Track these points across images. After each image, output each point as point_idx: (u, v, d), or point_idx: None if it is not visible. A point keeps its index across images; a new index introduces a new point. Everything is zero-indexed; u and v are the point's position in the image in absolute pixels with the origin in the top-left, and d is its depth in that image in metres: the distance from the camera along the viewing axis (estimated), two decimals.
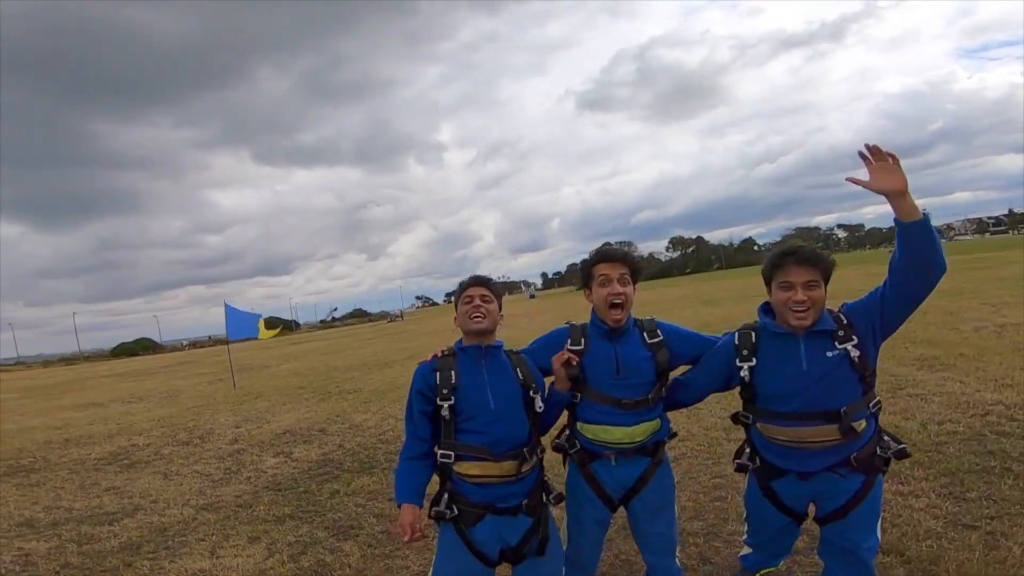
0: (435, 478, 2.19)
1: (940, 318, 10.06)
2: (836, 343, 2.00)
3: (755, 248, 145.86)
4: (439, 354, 2.21)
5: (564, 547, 2.30)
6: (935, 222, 1.89)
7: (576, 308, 34.57)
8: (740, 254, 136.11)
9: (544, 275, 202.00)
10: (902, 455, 2.05)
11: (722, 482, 3.96)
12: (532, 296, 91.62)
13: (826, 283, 2.04)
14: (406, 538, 2.03)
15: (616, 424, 2.18)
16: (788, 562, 2.74)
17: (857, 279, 23.95)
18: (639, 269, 2.31)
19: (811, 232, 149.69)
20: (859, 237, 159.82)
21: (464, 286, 2.27)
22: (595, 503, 2.26)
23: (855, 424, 1.99)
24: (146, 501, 5.20)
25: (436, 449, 2.13)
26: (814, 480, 2.08)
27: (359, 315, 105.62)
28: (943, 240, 1.99)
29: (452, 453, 2.09)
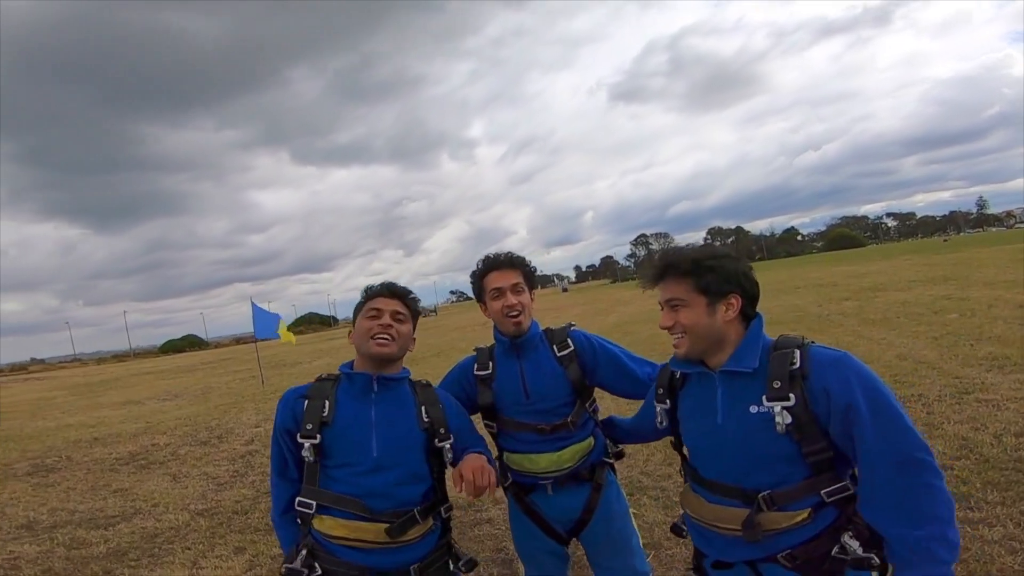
0: None
1: (1009, 311, 9.12)
2: (764, 397, 1.36)
3: (798, 238, 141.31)
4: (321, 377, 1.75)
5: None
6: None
7: (609, 301, 34.24)
8: (782, 244, 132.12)
9: (578, 268, 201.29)
10: (863, 565, 1.32)
11: None
12: (564, 290, 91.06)
13: (713, 299, 1.41)
14: None
15: (539, 452, 1.91)
16: None
17: (910, 269, 22.63)
18: (532, 273, 2.01)
19: (858, 221, 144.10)
20: (910, 226, 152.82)
21: (371, 294, 1.77)
22: (541, 537, 1.98)
23: (770, 517, 1.37)
24: (147, 504, 5.05)
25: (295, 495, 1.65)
26: (734, 573, 1.49)
27: None
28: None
29: (313, 503, 1.61)
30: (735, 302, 1.42)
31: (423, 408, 1.72)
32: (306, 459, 1.62)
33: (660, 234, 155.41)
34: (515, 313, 1.90)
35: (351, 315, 1.89)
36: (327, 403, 1.65)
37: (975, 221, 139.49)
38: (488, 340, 2.08)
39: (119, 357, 70.19)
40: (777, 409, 1.34)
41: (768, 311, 1.47)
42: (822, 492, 1.36)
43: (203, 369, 24.44)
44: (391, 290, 1.78)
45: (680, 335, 1.44)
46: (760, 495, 1.37)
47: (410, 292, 1.81)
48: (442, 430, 1.71)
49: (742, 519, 1.39)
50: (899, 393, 5.32)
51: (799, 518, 1.36)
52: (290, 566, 1.58)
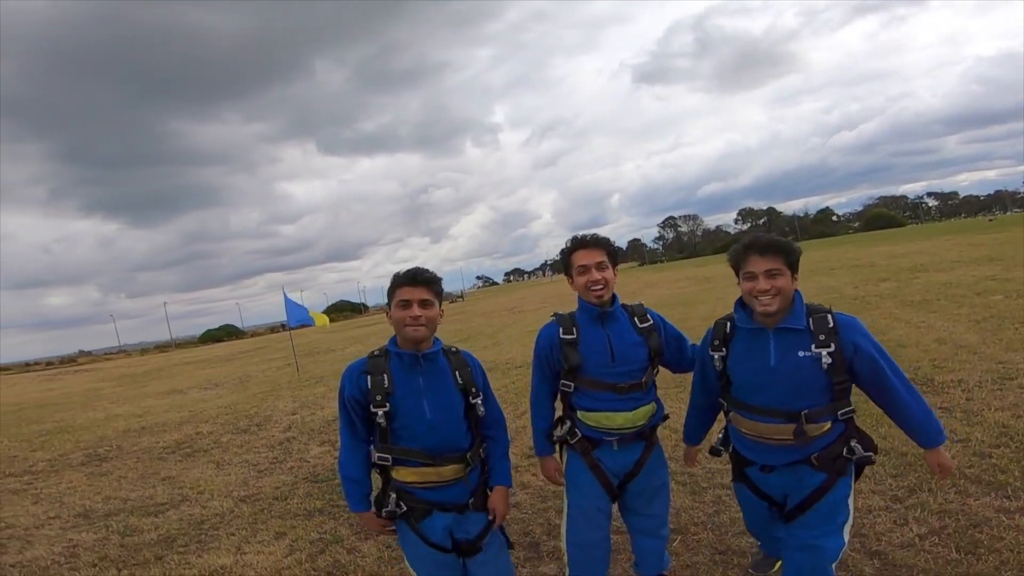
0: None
1: None
2: (812, 345, 1.94)
3: (834, 219, 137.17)
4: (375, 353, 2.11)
5: (565, 545, 2.32)
6: None
7: (638, 284, 33.94)
8: (817, 225, 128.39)
9: None
10: (865, 463, 2.06)
11: None
12: None
13: (793, 272, 1.97)
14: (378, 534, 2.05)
15: (617, 410, 2.19)
16: None
17: (952, 249, 21.80)
18: (615, 252, 2.31)
19: (897, 201, 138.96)
20: (952, 206, 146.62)
21: (398, 283, 2.06)
22: (598, 491, 2.26)
23: (811, 427, 1.96)
24: (194, 492, 5.28)
25: (372, 449, 2.07)
26: (776, 474, 2.08)
27: None
28: None
29: (389, 457, 2.04)
30: (796, 275, 1.99)
31: (456, 373, 2.10)
32: (379, 424, 2.00)
33: (689, 216, 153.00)
34: (599, 287, 2.20)
35: (382, 301, 2.27)
36: (386, 377, 2.01)
37: (1023, 200, 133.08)
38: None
39: (161, 347, 72.72)
40: (823, 354, 1.93)
41: (803, 292, 1.96)
42: (839, 412, 2.00)
43: (240, 358, 25.18)
44: (415, 278, 2.04)
45: (773, 295, 1.94)
46: (803, 413, 1.96)
47: (432, 277, 2.08)
48: (473, 389, 2.10)
49: (791, 431, 1.97)
50: (938, 379, 5.19)
51: (824, 429, 1.99)
52: (388, 509, 2.04)
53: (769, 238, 2.01)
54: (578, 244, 2.26)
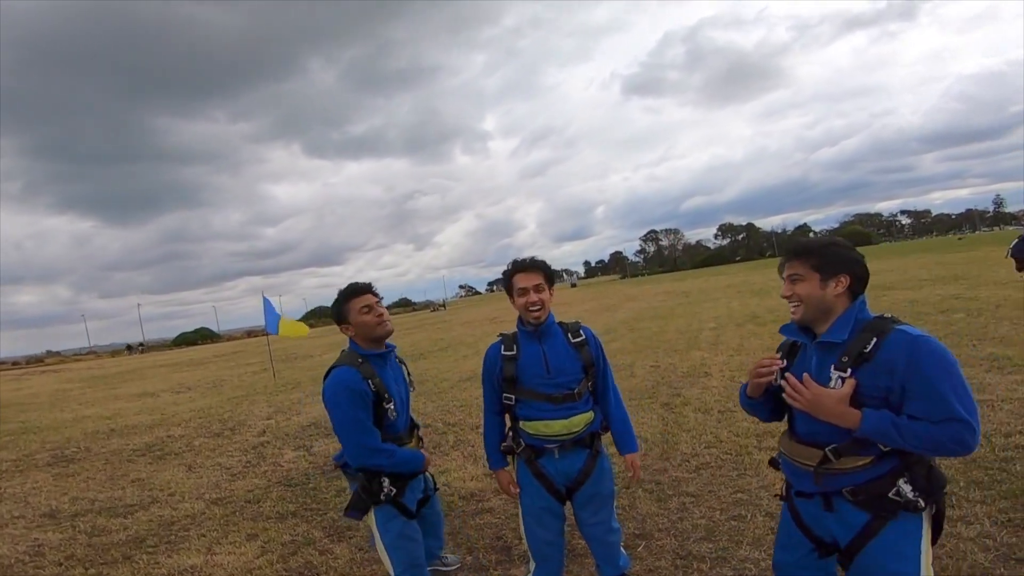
0: None
1: (1015, 312, 9.11)
2: (833, 366, 1.71)
3: (811, 235, 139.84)
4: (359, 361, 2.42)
5: (526, 543, 2.47)
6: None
7: (618, 297, 34.26)
8: (794, 241, 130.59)
9: (587, 263, 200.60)
10: (910, 508, 1.66)
11: (744, 498, 3.57)
12: (573, 285, 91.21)
13: (825, 278, 1.74)
14: None
15: (554, 419, 2.33)
16: None
17: (921, 268, 22.45)
18: (552, 275, 2.46)
19: (872, 218, 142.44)
20: (925, 224, 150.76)
21: (357, 292, 2.46)
22: (544, 495, 2.40)
23: (843, 460, 1.71)
24: (164, 494, 5.25)
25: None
26: (813, 503, 1.83)
27: (403, 304, 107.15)
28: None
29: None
30: (844, 280, 1.74)
31: (403, 368, 2.68)
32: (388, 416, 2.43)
33: (671, 230, 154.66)
34: (536, 308, 2.35)
35: None
36: (372, 381, 2.38)
37: (992, 219, 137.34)
38: (495, 335, 2.51)
39: (132, 349, 71.05)
40: (835, 377, 1.69)
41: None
42: (879, 444, 1.65)
43: (216, 362, 24.81)
44: (368, 288, 2.49)
45: (797, 304, 1.78)
46: (827, 448, 1.72)
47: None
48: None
49: (817, 458, 1.74)
50: None
51: (862, 462, 1.69)
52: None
53: (795, 241, 1.90)
54: (518, 267, 2.40)
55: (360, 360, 2.38)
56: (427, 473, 2.70)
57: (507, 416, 2.51)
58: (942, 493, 1.68)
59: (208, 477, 5.65)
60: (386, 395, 2.37)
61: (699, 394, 6.36)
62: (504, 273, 2.46)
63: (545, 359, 2.36)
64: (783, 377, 1.80)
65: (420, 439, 2.64)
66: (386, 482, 2.38)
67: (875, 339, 1.65)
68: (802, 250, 1.80)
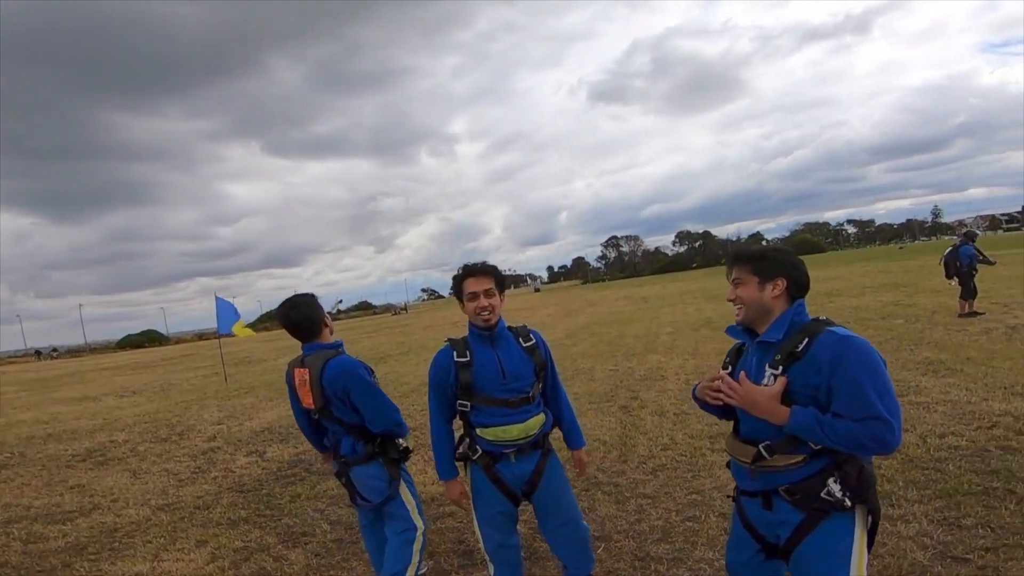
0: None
1: (948, 318, 9.68)
2: (767, 365, 1.77)
3: (763, 243, 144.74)
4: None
5: (484, 549, 2.44)
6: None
7: (580, 302, 34.61)
8: (736, 248, 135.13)
9: (550, 268, 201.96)
10: (836, 508, 1.70)
11: (698, 499, 3.65)
12: (536, 290, 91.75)
13: (763, 281, 1.82)
14: None
15: (511, 423, 2.34)
16: None
17: (865, 275, 23.54)
18: (503, 279, 2.43)
19: (821, 227, 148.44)
20: (869, 233, 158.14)
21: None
22: (500, 499, 2.41)
23: (775, 457, 1.75)
24: (106, 500, 5.02)
25: None
26: (755, 502, 1.87)
27: (364, 308, 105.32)
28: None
29: None
30: (780, 283, 1.82)
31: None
32: None
33: (631, 236, 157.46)
34: (486, 312, 2.33)
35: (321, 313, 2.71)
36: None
37: (930, 229, 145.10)
38: (457, 337, 2.46)
39: (74, 352, 67.59)
40: (767, 374, 1.76)
41: (729, 314, 1.88)
42: (809, 442, 1.71)
43: (164, 365, 23.81)
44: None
45: (739, 306, 1.88)
46: (760, 444, 1.78)
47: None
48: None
49: (751, 455, 1.80)
50: None
51: (794, 460, 1.74)
52: None
53: (737, 247, 2.00)
54: (468, 272, 2.39)
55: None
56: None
57: (460, 424, 2.48)
58: (873, 494, 1.73)
59: (154, 483, 5.43)
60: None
61: (656, 397, 6.49)
62: (454, 278, 2.44)
63: (500, 364, 2.35)
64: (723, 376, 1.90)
65: None
66: (401, 441, 2.66)
67: (807, 339, 1.72)
68: (742, 256, 1.90)
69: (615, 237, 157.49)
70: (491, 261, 2.40)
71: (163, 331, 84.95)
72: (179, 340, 70.09)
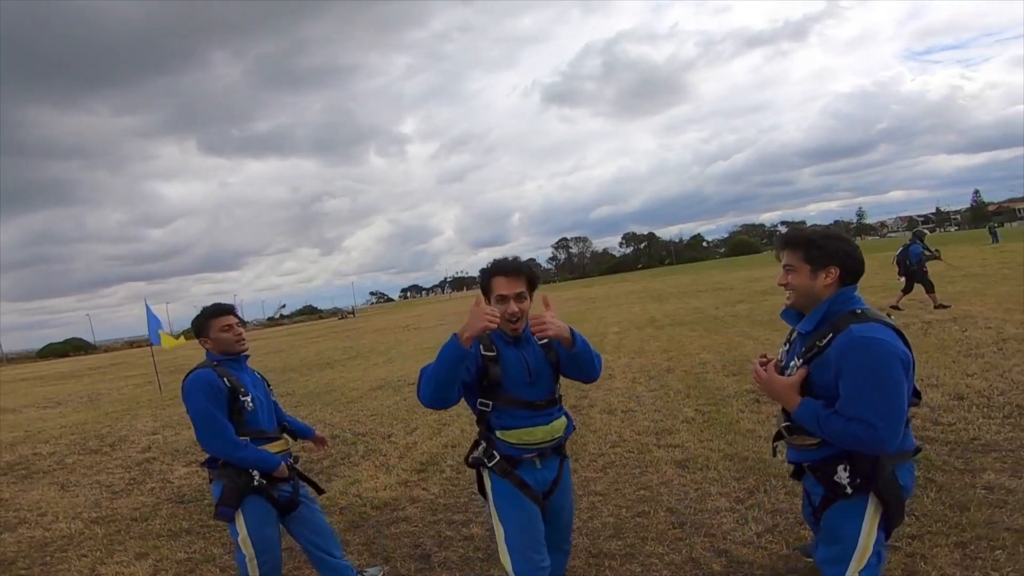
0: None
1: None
2: (799, 356, 1.90)
3: (704, 244, 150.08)
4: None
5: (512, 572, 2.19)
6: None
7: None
8: (689, 250, 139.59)
9: None
10: (836, 492, 1.87)
11: (647, 495, 3.72)
12: None
13: (815, 268, 1.86)
14: None
15: (536, 425, 2.20)
16: None
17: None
18: (536, 279, 2.29)
19: (756, 229, 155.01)
20: None
21: (220, 312, 2.70)
22: (533, 510, 2.22)
23: (794, 438, 1.96)
24: (33, 514, 4.74)
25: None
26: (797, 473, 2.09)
27: (309, 312, 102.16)
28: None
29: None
30: (833, 272, 1.84)
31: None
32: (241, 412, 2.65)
33: (580, 238, 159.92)
34: (516, 320, 2.17)
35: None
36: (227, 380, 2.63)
37: (855, 230, 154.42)
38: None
39: None
40: (792, 365, 1.90)
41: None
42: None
43: (91, 375, 22.40)
44: (228, 309, 2.76)
45: (790, 292, 1.91)
46: (783, 425, 1.98)
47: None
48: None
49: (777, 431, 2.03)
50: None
51: (810, 442, 1.89)
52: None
53: (789, 231, 1.99)
54: (499, 269, 2.20)
55: (215, 364, 2.61)
56: (296, 481, 2.74)
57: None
58: (887, 486, 1.79)
59: (86, 496, 5.15)
60: (241, 389, 2.55)
61: (604, 396, 6.64)
62: (482, 271, 2.25)
63: (527, 364, 2.21)
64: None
65: (287, 440, 2.80)
66: (256, 474, 2.51)
67: (831, 334, 1.78)
68: (793, 240, 1.91)
69: (565, 239, 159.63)
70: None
71: (90, 339, 79.73)
72: (108, 348, 65.86)
